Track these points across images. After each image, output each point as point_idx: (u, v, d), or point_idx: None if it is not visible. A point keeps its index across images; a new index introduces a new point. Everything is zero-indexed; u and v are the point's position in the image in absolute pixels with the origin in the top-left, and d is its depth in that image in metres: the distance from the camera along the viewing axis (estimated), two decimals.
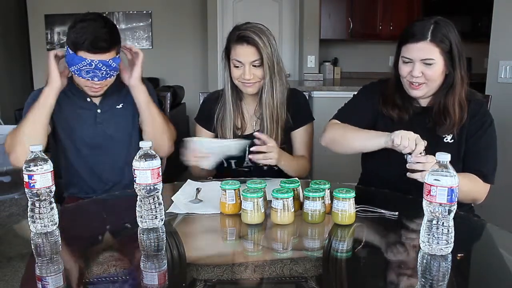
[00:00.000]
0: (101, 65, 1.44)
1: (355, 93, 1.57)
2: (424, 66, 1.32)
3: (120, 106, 1.64)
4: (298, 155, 1.64)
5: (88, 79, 1.48)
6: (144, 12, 5.55)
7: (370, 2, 4.57)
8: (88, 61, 1.43)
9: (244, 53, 1.50)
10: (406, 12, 4.52)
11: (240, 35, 1.49)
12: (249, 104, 1.65)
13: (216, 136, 1.64)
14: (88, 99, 1.61)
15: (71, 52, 1.44)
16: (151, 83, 1.80)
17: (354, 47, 4.94)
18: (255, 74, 1.52)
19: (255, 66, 1.51)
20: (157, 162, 1.07)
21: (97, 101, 1.62)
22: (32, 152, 1.05)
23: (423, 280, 0.87)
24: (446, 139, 1.38)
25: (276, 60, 1.53)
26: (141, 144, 1.07)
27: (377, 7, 4.56)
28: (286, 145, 1.63)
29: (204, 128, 1.68)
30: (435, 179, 0.91)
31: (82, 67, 1.44)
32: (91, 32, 1.42)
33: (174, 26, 5.54)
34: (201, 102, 1.82)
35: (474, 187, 1.34)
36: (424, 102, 1.44)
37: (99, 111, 1.62)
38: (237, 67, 1.52)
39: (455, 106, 1.35)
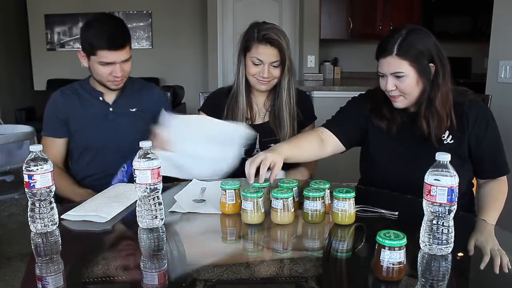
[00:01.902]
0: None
1: (350, 99, 1.59)
2: (396, 80, 1.33)
3: (134, 110, 1.69)
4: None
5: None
6: (144, 12, 5.56)
7: (370, 2, 4.57)
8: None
9: (267, 53, 1.55)
10: (406, 12, 4.52)
11: (266, 36, 1.54)
12: (258, 97, 1.71)
13: None
14: (101, 98, 1.67)
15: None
16: (152, 83, 1.80)
17: (354, 47, 4.94)
18: (272, 73, 1.59)
19: (273, 66, 1.58)
20: (157, 162, 1.07)
21: (110, 101, 1.67)
22: (32, 152, 1.05)
23: (423, 280, 0.87)
24: (446, 141, 1.37)
25: (291, 61, 1.62)
26: (141, 144, 1.07)
27: (377, 7, 4.57)
28: None
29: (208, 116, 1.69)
30: (435, 179, 0.91)
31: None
32: (107, 31, 1.50)
33: (174, 26, 5.54)
34: (204, 99, 1.85)
35: (504, 194, 1.40)
36: (411, 108, 1.43)
37: (111, 109, 1.67)
38: (256, 64, 1.57)
39: (439, 102, 1.34)
